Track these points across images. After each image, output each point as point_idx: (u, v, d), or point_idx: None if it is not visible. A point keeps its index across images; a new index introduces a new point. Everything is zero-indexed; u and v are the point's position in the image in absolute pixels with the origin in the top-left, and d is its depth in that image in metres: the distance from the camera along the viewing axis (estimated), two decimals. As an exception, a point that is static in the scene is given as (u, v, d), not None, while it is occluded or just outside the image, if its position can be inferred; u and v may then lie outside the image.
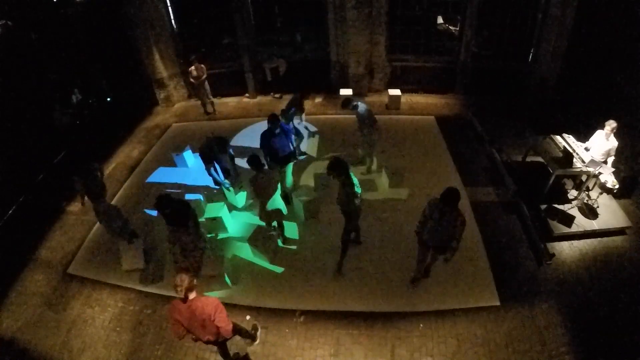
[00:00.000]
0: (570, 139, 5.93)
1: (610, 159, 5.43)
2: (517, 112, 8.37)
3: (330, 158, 4.50)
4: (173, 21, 9.08)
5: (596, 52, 7.13)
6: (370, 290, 4.78)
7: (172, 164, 7.34)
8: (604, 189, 5.45)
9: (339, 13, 8.45)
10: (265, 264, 5.22)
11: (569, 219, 5.42)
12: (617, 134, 5.25)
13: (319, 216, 5.87)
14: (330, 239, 5.36)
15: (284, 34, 10.03)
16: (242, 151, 7.03)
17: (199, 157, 5.69)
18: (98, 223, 6.03)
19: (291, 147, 5.71)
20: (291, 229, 5.65)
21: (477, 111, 8.35)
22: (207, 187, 6.43)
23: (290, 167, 5.88)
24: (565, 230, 5.32)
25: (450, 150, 7.29)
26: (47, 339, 4.54)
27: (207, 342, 3.41)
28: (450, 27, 9.31)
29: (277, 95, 9.66)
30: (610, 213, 5.47)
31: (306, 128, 7.60)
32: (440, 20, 9.41)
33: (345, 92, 8.85)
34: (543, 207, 5.62)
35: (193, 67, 8.35)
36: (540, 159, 6.13)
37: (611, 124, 5.20)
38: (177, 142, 8.10)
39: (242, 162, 6.54)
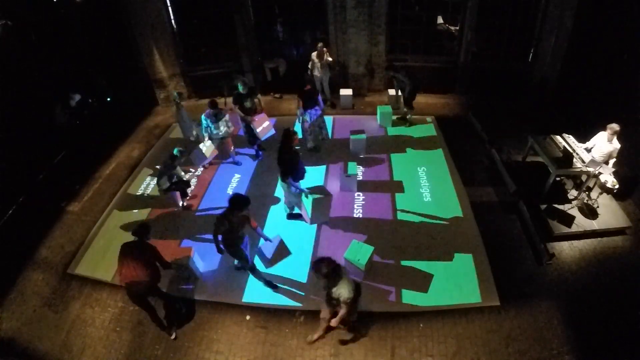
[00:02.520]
0: (570, 139, 5.93)
1: (612, 161, 5.43)
2: (517, 112, 8.38)
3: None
4: (173, 21, 9.08)
5: (596, 52, 7.13)
6: (370, 290, 4.77)
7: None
8: (604, 189, 5.45)
9: (339, 13, 8.46)
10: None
11: (569, 219, 5.42)
12: (618, 134, 5.25)
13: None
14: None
15: (284, 33, 10.02)
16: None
17: None
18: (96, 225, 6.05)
19: None
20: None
21: (477, 111, 8.35)
22: None
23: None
24: (565, 230, 5.32)
25: (450, 150, 7.29)
26: (47, 339, 4.54)
27: None
28: (450, 27, 9.31)
29: (277, 95, 9.66)
30: (610, 213, 5.47)
31: None
32: (440, 20, 9.41)
33: (345, 92, 8.86)
34: (543, 207, 5.62)
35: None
36: (540, 159, 6.13)
37: (613, 127, 5.19)
38: (177, 142, 8.11)
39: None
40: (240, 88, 6.53)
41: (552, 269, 4.94)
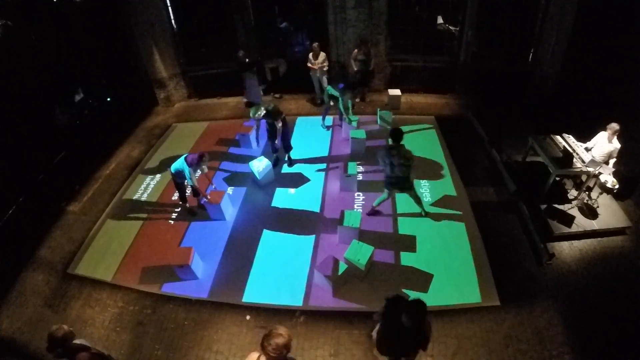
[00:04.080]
0: (570, 139, 5.93)
1: (612, 161, 5.43)
2: (517, 112, 8.38)
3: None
4: (173, 21, 9.08)
5: (596, 52, 7.13)
6: (370, 290, 4.77)
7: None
8: (604, 189, 5.45)
9: (339, 13, 8.46)
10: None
11: (569, 219, 5.42)
12: (618, 134, 5.25)
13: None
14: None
15: (284, 34, 10.03)
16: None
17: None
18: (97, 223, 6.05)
19: None
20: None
21: (477, 111, 8.35)
22: None
23: None
24: (565, 230, 5.32)
25: (450, 150, 7.29)
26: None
27: None
28: (450, 27, 9.30)
29: (277, 95, 9.66)
30: (610, 213, 5.47)
31: None
32: (440, 20, 9.41)
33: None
34: (543, 207, 5.62)
35: None
36: (540, 159, 6.13)
37: (613, 127, 5.19)
38: (177, 142, 8.13)
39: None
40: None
41: (552, 269, 4.94)
